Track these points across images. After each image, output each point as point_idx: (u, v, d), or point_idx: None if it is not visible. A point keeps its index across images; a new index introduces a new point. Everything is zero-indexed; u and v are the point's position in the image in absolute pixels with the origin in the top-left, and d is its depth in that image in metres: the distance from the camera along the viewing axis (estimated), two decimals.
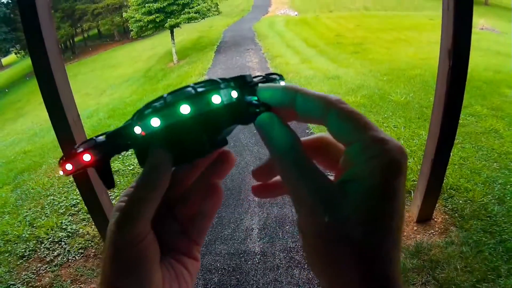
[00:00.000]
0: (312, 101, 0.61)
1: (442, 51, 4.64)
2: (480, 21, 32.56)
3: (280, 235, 6.02)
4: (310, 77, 16.14)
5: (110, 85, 32.60)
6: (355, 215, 0.54)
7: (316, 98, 0.61)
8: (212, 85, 0.67)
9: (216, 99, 0.63)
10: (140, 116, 0.66)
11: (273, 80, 0.79)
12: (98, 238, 6.54)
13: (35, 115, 26.95)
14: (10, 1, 64.27)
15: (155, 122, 0.64)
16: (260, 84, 0.68)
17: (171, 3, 29.97)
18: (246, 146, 9.44)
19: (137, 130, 0.66)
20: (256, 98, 0.67)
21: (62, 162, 0.74)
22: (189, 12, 30.49)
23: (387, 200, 0.55)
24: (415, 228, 5.79)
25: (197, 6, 30.93)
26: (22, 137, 18.87)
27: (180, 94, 0.65)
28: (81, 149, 0.72)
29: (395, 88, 12.81)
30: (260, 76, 0.80)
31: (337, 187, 0.57)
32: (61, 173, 0.75)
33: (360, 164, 0.56)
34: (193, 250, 0.84)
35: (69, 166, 0.72)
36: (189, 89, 0.66)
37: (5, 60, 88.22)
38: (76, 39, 77.85)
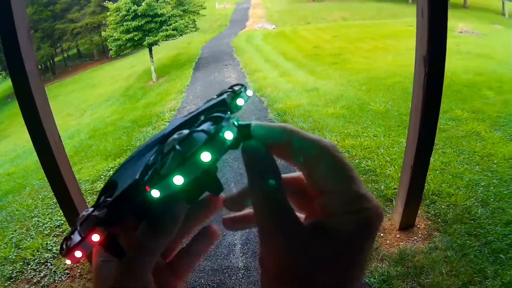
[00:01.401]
0: (307, 143, 0.60)
1: (418, 58, 4.67)
2: (459, 25, 32.82)
3: None
4: (289, 90, 16.19)
5: (91, 105, 32.55)
6: (319, 261, 0.55)
7: (311, 141, 0.60)
8: (216, 119, 0.65)
9: (228, 135, 0.61)
10: (157, 178, 0.62)
11: (239, 91, 0.79)
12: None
13: (17, 137, 26.88)
14: None
15: (178, 180, 0.60)
16: (254, 122, 0.67)
17: (149, 21, 30.19)
18: (226, 161, 9.42)
19: (155, 193, 0.62)
20: (237, 119, 0.66)
21: (67, 251, 0.69)
22: (167, 30, 30.75)
23: (352, 254, 0.56)
24: (398, 235, 5.79)
25: (174, 23, 31.21)
26: (6, 159, 18.83)
27: (193, 142, 0.62)
28: (84, 231, 0.68)
29: (374, 97, 12.90)
30: (226, 90, 0.80)
31: (309, 231, 0.58)
32: (68, 262, 0.70)
33: (337, 216, 0.57)
34: (176, 285, 0.81)
35: (78, 254, 0.68)
36: (201, 134, 0.63)
37: None
38: (56, 59, 77.68)
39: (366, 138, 9.48)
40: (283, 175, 0.66)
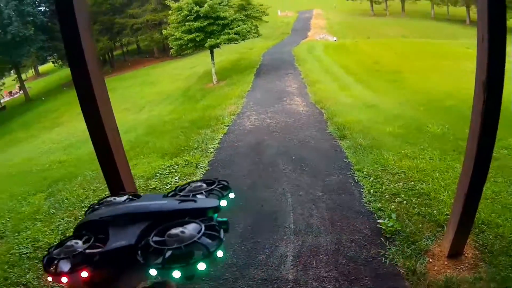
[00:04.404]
0: None
1: (477, 84, 4.66)
2: None
3: (314, 264, 5.97)
4: (349, 104, 16.14)
5: (149, 101, 32.81)
6: None
7: None
8: (215, 237, 0.80)
9: (220, 254, 0.77)
10: (159, 264, 0.77)
11: (224, 187, 0.93)
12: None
13: (71, 126, 27.19)
14: (47, 9, 64.41)
15: (177, 274, 0.77)
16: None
17: (211, 23, 30.29)
18: (284, 172, 9.54)
19: (153, 272, 0.77)
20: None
21: (55, 273, 0.83)
22: (229, 33, 30.82)
23: None
24: (445, 262, 5.76)
25: (237, 27, 31.27)
26: (58, 147, 19.30)
27: (195, 250, 0.77)
28: (76, 265, 0.82)
29: (432, 119, 12.74)
30: (211, 180, 0.95)
31: None
32: (49, 279, 0.84)
33: None
34: None
35: (64, 279, 0.83)
36: (203, 248, 0.77)
37: (41, 68, 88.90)
38: (115, 53, 78.26)
39: (422, 160, 9.38)
40: None
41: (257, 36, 35.34)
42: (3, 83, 59.02)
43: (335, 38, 55.17)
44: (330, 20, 74.83)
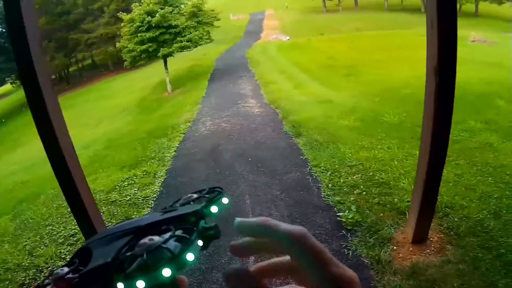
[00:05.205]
0: (280, 236, 0.67)
1: (429, 69, 4.66)
2: (472, 33, 32.69)
3: None
4: (303, 102, 16.27)
5: (106, 115, 32.64)
6: None
7: (284, 233, 0.66)
8: (182, 238, 0.70)
9: (190, 257, 0.67)
10: (123, 276, 0.67)
11: (217, 194, 0.83)
12: None
13: (32, 146, 26.92)
14: (3, 30, 64.22)
15: (140, 284, 0.66)
16: (237, 219, 0.73)
17: (163, 32, 30.31)
18: (241, 174, 9.52)
19: (120, 286, 0.68)
20: (204, 222, 0.73)
21: None
22: (181, 41, 30.82)
23: None
24: (410, 249, 5.77)
25: (189, 34, 31.29)
26: (20, 168, 19.05)
27: (159, 255, 0.67)
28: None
29: (388, 109, 12.91)
30: (204, 190, 0.85)
31: None
32: None
33: None
34: None
35: None
36: (166, 252, 0.68)
37: (0, 90, 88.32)
38: (71, 69, 77.98)
39: (380, 150, 9.50)
40: (279, 258, 0.76)
41: (210, 42, 35.38)
42: None
43: (288, 38, 55.52)
44: (283, 20, 75.33)
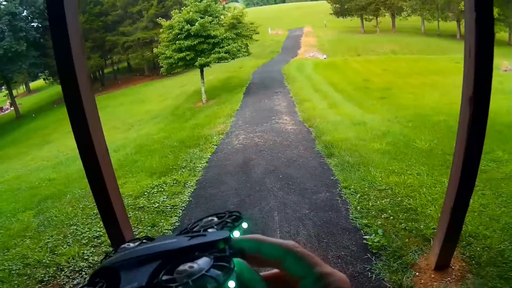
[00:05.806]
0: (274, 248, 0.77)
1: (464, 98, 4.68)
2: (504, 62, 32.68)
3: None
4: (337, 122, 16.15)
5: (138, 120, 32.83)
6: None
7: (277, 245, 0.77)
8: (224, 267, 0.79)
9: (231, 284, 0.76)
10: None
11: (239, 218, 0.92)
12: None
13: (61, 144, 27.20)
14: (40, 25, 64.32)
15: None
16: (233, 236, 0.83)
17: (202, 41, 30.46)
18: (271, 190, 9.54)
19: None
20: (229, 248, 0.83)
21: None
22: (219, 52, 30.96)
23: None
24: (432, 275, 5.76)
25: (227, 46, 31.37)
26: (47, 164, 19.20)
27: (203, 284, 0.76)
28: None
29: (420, 135, 12.81)
30: (223, 214, 0.95)
31: None
32: None
33: None
34: None
35: None
36: (210, 280, 0.76)
37: (33, 85, 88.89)
38: (105, 70, 78.45)
39: (409, 176, 9.41)
40: (269, 272, 0.84)
41: (247, 55, 35.36)
42: None
43: (325, 56, 55.34)
44: (321, 38, 75.15)
